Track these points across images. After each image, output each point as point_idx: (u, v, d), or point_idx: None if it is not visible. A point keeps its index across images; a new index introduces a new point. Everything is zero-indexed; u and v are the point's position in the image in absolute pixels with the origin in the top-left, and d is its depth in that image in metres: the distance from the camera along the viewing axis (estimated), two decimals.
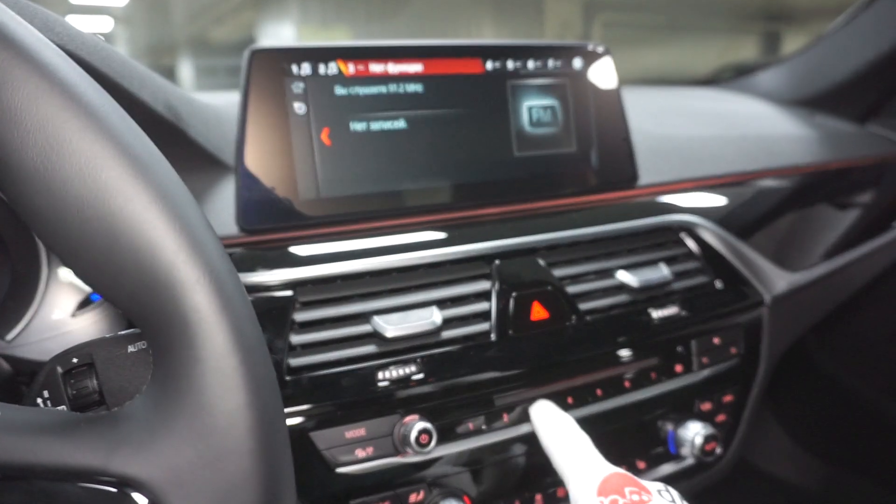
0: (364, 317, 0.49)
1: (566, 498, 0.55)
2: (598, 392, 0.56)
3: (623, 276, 0.57)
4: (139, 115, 0.37)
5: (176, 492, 0.26)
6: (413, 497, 0.49)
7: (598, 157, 0.61)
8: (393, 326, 0.48)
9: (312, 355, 0.47)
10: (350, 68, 0.52)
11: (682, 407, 0.60)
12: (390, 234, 0.53)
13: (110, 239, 0.25)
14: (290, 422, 0.45)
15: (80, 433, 0.26)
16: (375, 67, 0.53)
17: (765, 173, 0.73)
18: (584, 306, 0.55)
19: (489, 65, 0.56)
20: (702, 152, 0.73)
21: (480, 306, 0.52)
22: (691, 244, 0.63)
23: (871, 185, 0.81)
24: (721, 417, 0.63)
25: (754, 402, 0.66)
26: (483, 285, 0.52)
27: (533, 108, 0.58)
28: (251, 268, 0.48)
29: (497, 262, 0.53)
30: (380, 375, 0.47)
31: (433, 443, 0.46)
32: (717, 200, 0.68)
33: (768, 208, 0.72)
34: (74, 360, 0.31)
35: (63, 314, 0.44)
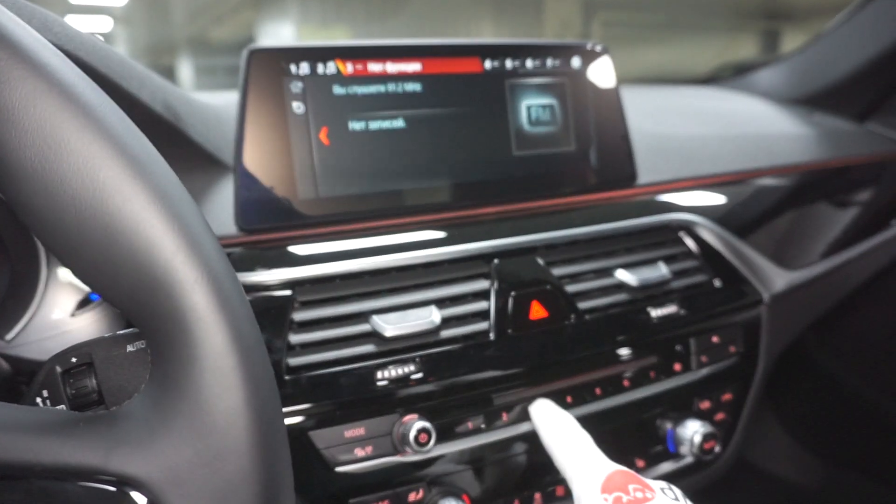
0: (363, 316, 0.49)
1: (565, 497, 0.55)
2: (598, 391, 0.56)
3: (622, 275, 0.57)
4: (138, 115, 0.37)
5: (175, 491, 0.26)
6: (412, 496, 0.49)
7: (597, 156, 0.61)
8: (392, 326, 0.48)
9: (311, 355, 0.47)
10: (348, 68, 0.52)
11: (681, 405, 0.60)
12: (389, 234, 0.53)
13: (108, 239, 0.25)
14: (290, 421, 0.45)
15: (80, 432, 0.26)
16: (374, 67, 0.53)
17: (764, 172, 0.73)
18: (583, 305, 0.55)
19: (488, 64, 0.56)
20: (701, 151, 0.73)
21: (479, 305, 0.52)
22: (690, 243, 0.63)
23: (870, 184, 0.81)
24: (720, 416, 0.63)
25: (753, 400, 0.66)
26: (482, 284, 0.53)
27: (532, 108, 0.58)
28: (250, 267, 0.48)
29: (496, 261, 0.54)
30: (379, 375, 0.47)
31: (432, 442, 0.46)
32: (716, 199, 0.68)
33: (767, 207, 0.72)
34: (73, 360, 0.31)
35: (62, 314, 0.44)
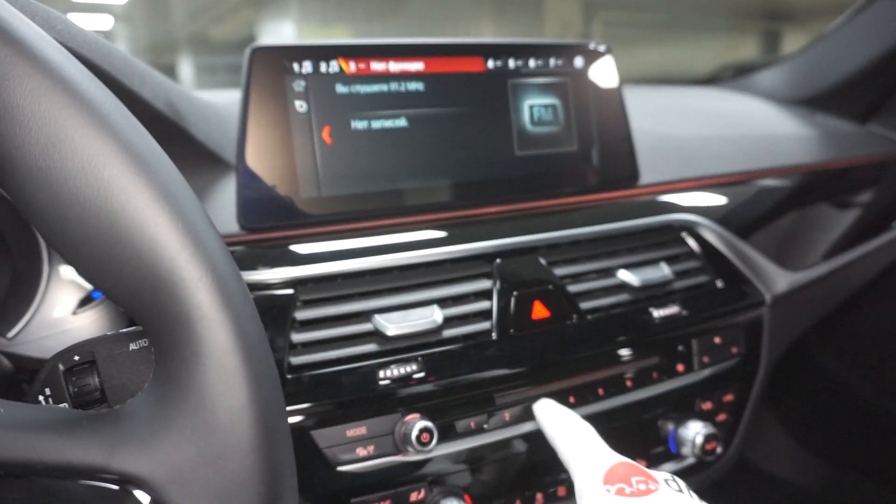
0: (365, 315, 0.49)
1: (567, 497, 0.55)
2: (600, 391, 0.56)
3: (624, 276, 0.57)
4: (140, 113, 0.37)
5: (178, 490, 0.26)
6: (414, 496, 0.49)
7: (600, 156, 0.61)
8: (394, 325, 0.48)
9: (313, 353, 0.47)
10: (351, 66, 0.52)
11: (682, 406, 0.60)
12: (391, 233, 0.53)
13: (112, 236, 0.25)
14: (291, 420, 0.45)
15: (82, 431, 0.26)
16: (377, 66, 0.52)
17: (765, 173, 0.73)
18: (585, 305, 0.55)
19: (490, 63, 0.56)
20: (702, 152, 0.73)
21: (481, 305, 0.52)
22: (692, 243, 0.63)
23: (872, 185, 0.81)
24: (721, 417, 0.63)
25: (755, 401, 0.66)
26: (484, 284, 0.52)
27: (534, 107, 0.58)
28: (252, 266, 0.48)
29: (498, 260, 0.53)
30: (381, 374, 0.47)
31: (434, 441, 0.46)
32: (718, 200, 0.68)
33: (769, 208, 0.72)
34: (76, 358, 0.31)
35: (64, 312, 0.44)
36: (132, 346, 0.31)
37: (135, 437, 0.26)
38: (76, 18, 0.42)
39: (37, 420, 0.27)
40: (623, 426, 0.56)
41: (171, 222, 0.25)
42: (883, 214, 0.80)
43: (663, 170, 0.68)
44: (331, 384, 0.46)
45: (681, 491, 0.36)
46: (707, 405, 0.61)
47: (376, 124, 0.52)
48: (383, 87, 0.53)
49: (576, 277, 0.56)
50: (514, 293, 0.52)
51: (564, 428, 0.46)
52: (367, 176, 0.52)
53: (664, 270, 0.58)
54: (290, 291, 0.48)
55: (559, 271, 0.55)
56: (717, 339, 0.62)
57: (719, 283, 0.62)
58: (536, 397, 0.52)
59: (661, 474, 0.38)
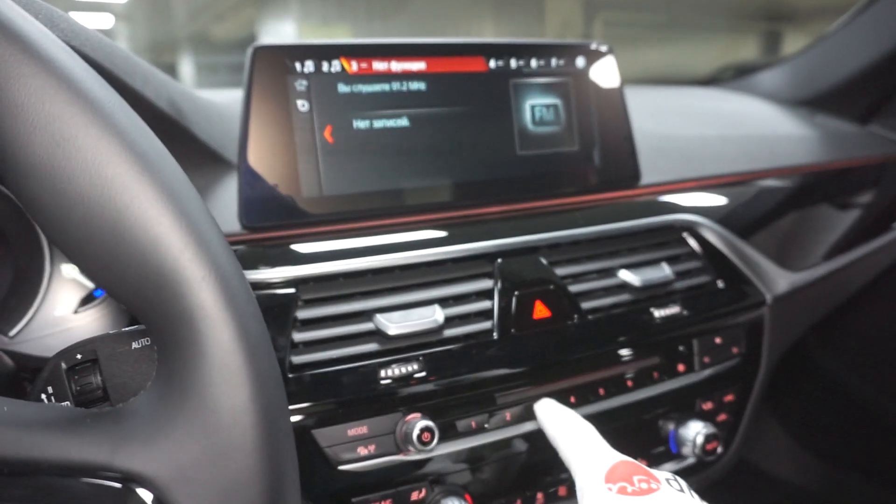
0: (366, 314, 0.49)
1: (568, 496, 0.55)
2: (601, 391, 0.56)
3: (625, 276, 0.57)
4: (143, 112, 0.37)
5: (180, 488, 0.26)
6: (415, 495, 0.49)
7: (601, 156, 0.61)
8: (395, 324, 0.48)
9: (315, 353, 0.47)
10: (353, 66, 0.52)
11: (683, 406, 0.60)
12: (393, 233, 0.53)
13: (115, 235, 0.25)
14: (293, 419, 0.45)
15: (85, 429, 0.26)
16: (379, 65, 0.52)
17: (766, 173, 0.73)
18: (586, 305, 0.55)
19: (492, 63, 0.56)
20: (703, 152, 0.73)
21: (483, 305, 0.52)
22: (693, 244, 0.63)
23: (872, 186, 0.81)
24: (722, 417, 0.63)
25: (755, 401, 0.66)
26: (485, 284, 0.53)
27: (536, 107, 0.58)
28: (253, 265, 0.48)
29: (499, 260, 0.53)
30: (382, 373, 0.47)
31: (435, 441, 0.46)
32: (719, 200, 0.68)
33: (770, 208, 0.72)
34: (78, 356, 0.31)
35: (66, 310, 0.44)
36: (134, 345, 0.31)
37: (137, 435, 0.26)
38: (78, 17, 0.42)
39: (39, 418, 0.27)
40: (624, 426, 0.56)
41: (175, 221, 0.25)
42: (883, 215, 0.80)
43: (664, 170, 0.68)
44: (332, 383, 0.46)
45: (682, 490, 0.36)
46: (707, 405, 0.61)
47: (378, 124, 0.52)
48: (385, 87, 0.53)
49: (577, 277, 0.56)
50: (516, 293, 0.52)
51: (565, 427, 0.46)
52: (369, 175, 0.52)
53: (665, 270, 0.58)
54: (291, 291, 0.48)
55: (560, 271, 0.55)
56: (717, 340, 0.62)
57: (720, 284, 0.62)
58: (537, 397, 0.52)
59: (663, 474, 0.38)
